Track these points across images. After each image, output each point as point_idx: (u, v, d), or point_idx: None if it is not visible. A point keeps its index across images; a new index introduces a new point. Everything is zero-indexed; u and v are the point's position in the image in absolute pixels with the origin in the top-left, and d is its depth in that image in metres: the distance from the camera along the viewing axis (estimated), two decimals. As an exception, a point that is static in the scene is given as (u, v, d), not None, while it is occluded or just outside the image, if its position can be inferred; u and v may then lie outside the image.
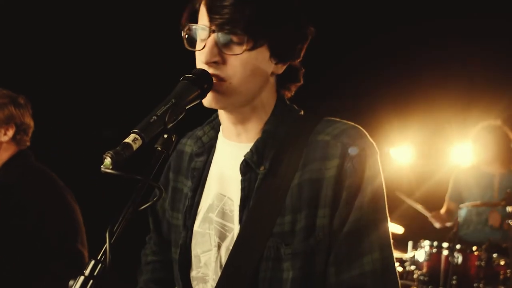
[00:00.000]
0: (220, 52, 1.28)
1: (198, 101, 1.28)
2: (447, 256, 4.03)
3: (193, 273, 1.45)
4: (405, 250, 4.47)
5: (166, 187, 1.56)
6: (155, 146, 1.17)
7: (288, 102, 1.45)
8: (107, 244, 1.07)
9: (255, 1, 1.26)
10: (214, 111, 1.47)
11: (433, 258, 4.12)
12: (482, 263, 3.89)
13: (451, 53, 5.17)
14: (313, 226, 1.30)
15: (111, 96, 5.21)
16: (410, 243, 4.48)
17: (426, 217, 4.63)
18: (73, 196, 2.63)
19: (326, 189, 1.30)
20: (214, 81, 1.29)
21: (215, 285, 1.37)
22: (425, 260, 4.17)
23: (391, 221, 1.36)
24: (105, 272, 1.06)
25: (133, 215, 1.12)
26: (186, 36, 1.33)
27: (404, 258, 4.39)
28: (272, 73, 1.37)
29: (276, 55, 1.34)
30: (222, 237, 1.39)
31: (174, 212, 1.53)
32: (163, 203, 1.59)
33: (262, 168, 1.35)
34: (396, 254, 4.21)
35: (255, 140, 1.37)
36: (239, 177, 1.37)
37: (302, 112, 1.45)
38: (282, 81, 1.42)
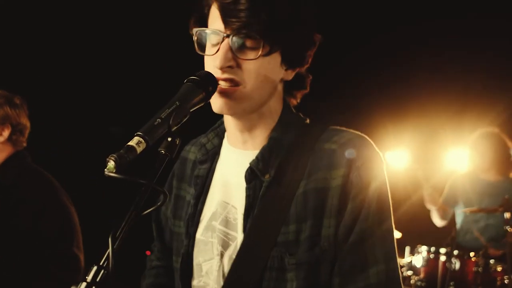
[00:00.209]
0: (234, 57, 1.27)
1: (202, 104, 1.26)
2: (444, 262, 4.03)
3: (195, 282, 1.43)
4: (402, 255, 4.46)
5: (169, 194, 1.54)
6: (159, 149, 1.16)
7: (294, 110, 1.44)
8: (110, 250, 1.04)
9: (270, 6, 1.24)
10: (218, 117, 1.45)
11: (431, 263, 4.12)
12: (480, 269, 3.89)
13: (446, 57, 5.18)
14: (318, 236, 1.28)
15: (111, 96, 5.19)
16: (407, 248, 4.47)
17: (423, 222, 4.62)
18: (69, 197, 2.61)
19: (332, 199, 1.28)
20: (226, 87, 1.27)
21: None
22: (422, 265, 4.17)
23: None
24: (107, 278, 1.04)
25: (136, 219, 1.10)
26: (196, 40, 1.32)
27: (401, 264, 4.37)
28: (282, 79, 1.36)
29: (287, 61, 1.33)
30: (225, 245, 1.37)
31: (176, 220, 1.51)
32: (166, 210, 1.56)
33: (267, 176, 1.33)
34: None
35: (260, 147, 1.36)
36: (244, 184, 1.35)
37: (308, 120, 1.44)
38: (289, 88, 1.41)
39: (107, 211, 4.55)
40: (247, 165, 1.34)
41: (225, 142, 1.46)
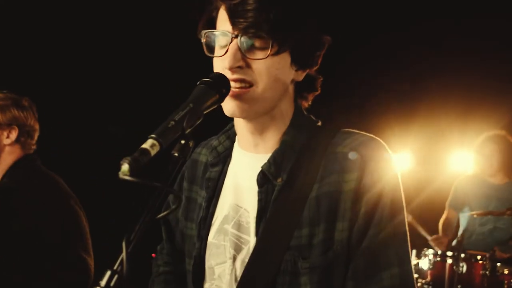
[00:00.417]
0: (243, 57, 1.26)
1: (216, 106, 1.25)
2: (451, 265, 4.01)
3: (207, 285, 1.42)
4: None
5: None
6: (172, 152, 1.14)
7: (305, 113, 1.43)
8: (123, 254, 1.03)
9: (278, 6, 1.25)
10: (229, 120, 1.44)
11: (437, 266, 4.10)
12: (487, 272, 3.87)
13: (451, 59, 5.16)
14: (331, 239, 1.27)
15: (111, 96, 5.18)
16: (413, 252, 4.44)
17: (430, 225, 4.60)
18: (78, 201, 2.59)
19: (345, 202, 1.28)
20: (237, 89, 1.27)
21: None
22: (429, 268, 4.14)
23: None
24: (121, 283, 1.02)
25: (150, 223, 1.09)
26: (205, 42, 1.31)
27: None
28: (292, 80, 1.36)
29: (297, 62, 1.32)
30: (237, 249, 1.36)
31: (188, 222, 1.50)
32: (176, 212, 1.55)
33: (279, 179, 1.33)
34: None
35: (272, 150, 1.35)
36: (256, 188, 1.34)
37: (319, 123, 1.43)
38: (300, 90, 1.41)
39: (107, 211, 4.55)
40: (259, 169, 1.34)
41: (236, 145, 1.45)
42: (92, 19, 4.96)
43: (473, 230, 4.33)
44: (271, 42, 1.25)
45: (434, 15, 5.28)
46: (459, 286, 3.90)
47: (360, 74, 5.34)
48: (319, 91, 1.45)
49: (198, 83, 1.24)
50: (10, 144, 2.56)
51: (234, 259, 1.36)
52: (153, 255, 1.70)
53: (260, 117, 1.34)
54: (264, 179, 1.33)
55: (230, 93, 1.27)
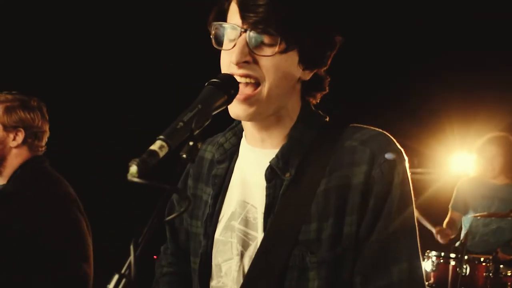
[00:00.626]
0: (250, 52, 1.25)
1: (224, 107, 1.24)
2: (454, 267, 3.99)
3: (213, 283, 1.41)
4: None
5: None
6: (180, 153, 1.12)
7: (313, 108, 1.42)
8: (131, 257, 1.01)
9: (290, 3, 1.24)
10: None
11: (441, 268, 4.08)
12: (490, 274, 3.86)
13: (451, 59, 5.16)
14: (340, 234, 1.27)
15: (111, 97, 5.17)
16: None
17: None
18: (81, 207, 2.56)
19: (354, 196, 1.27)
20: (245, 95, 1.26)
21: None
22: (432, 270, 4.12)
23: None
24: (129, 287, 1.01)
25: (158, 226, 1.07)
26: (214, 34, 1.30)
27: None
28: (299, 79, 1.34)
29: (305, 61, 1.31)
30: (245, 245, 1.35)
31: (193, 220, 1.49)
32: None
33: (287, 174, 1.32)
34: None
35: (280, 146, 1.34)
36: (264, 184, 1.33)
37: (327, 118, 1.42)
38: (307, 89, 1.39)
39: (107, 211, 4.53)
40: (267, 164, 1.33)
41: (243, 141, 1.45)
42: (94, 21, 4.96)
43: (476, 231, 4.32)
44: (279, 40, 1.24)
45: (437, 16, 5.29)
46: (462, 288, 3.89)
47: (360, 74, 5.34)
48: (327, 91, 1.43)
49: (206, 84, 1.22)
50: (17, 146, 2.53)
51: (242, 255, 1.35)
52: (154, 257, 1.69)
53: (266, 118, 1.34)
54: (272, 174, 1.33)
55: (237, 96, 1.26)
